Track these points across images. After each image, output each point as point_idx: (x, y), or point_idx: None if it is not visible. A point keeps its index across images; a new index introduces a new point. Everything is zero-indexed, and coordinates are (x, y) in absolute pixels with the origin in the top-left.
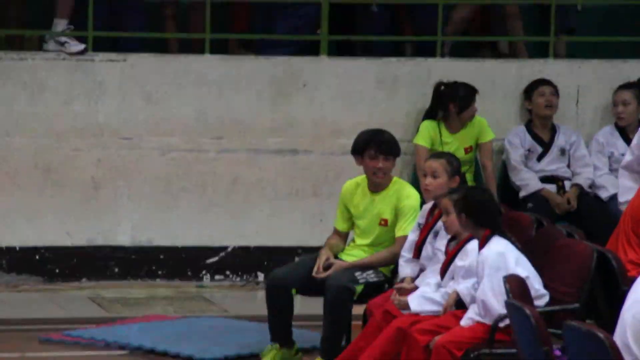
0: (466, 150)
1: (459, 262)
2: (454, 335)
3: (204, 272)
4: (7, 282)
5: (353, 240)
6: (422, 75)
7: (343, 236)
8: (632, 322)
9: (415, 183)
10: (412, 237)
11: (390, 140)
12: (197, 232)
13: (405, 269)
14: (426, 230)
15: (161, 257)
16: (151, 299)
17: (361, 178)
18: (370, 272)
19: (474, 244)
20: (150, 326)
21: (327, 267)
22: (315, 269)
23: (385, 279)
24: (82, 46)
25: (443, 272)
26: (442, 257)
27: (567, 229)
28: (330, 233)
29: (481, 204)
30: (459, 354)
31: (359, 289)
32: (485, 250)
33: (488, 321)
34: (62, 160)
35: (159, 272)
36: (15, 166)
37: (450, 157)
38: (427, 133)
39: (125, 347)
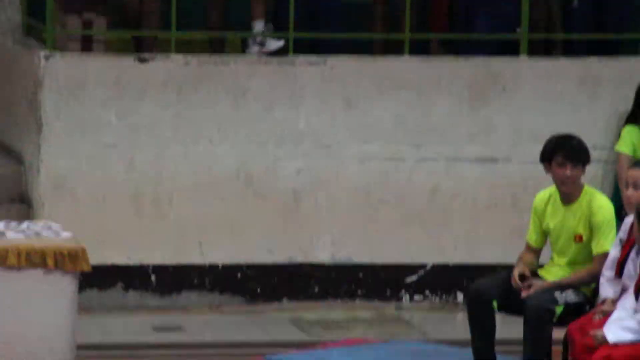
0: None
1: None
2: (626, 352)
3: (402, 291)
4: (210, 302)
5: (552, 258)
6: (625, 75)
7: (536, 252)
8: None
9: (617, 194)
10: (614, 253)
11: (579, 146)
12: (396, 247)
13: (607, 289)
14: (628, 246)
15: (360, 275)
16: (351, 320)
17: (553, 189)
18: (570, 292)
19: None
20: (351, 351)
21: (525, 285)
22: (513, 282)
23: (586, 299)
24: (281, 42)
25: (637, 291)
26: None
27: None
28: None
29: None
30: None
31: (558, 310)
32: None
33: None
34: (263, 169)
35: (358, 292)
36: (217, 175)
37: None
38: (629, 139)
39: None
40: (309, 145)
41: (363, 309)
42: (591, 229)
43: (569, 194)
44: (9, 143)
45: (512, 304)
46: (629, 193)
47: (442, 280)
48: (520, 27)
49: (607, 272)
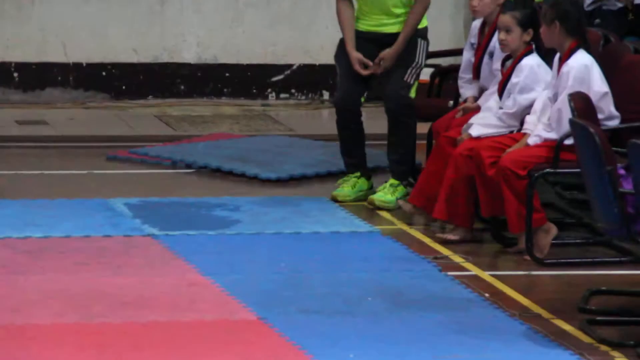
0: None
1: (514, 78)
2: (516, 154)
3: (269, 90)
4: (74, 98)
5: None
6: None
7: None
8: None
9: None
10: (468, 56)
11: None
12: (263, 48)
13: (467, 90)
14: (480, 50)
15: (227, 74)
16: (217, 117)
17: None
18: (412, 67)
19: (528, 59)
20: (216, 145)
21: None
22: (360, 70)
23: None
24: None
25: (500, 91)
26: (500, 77)
27: (634, 45)
28: None
29: (574, 12)
30: (523, 173)
31: (412, 92)
32: (571, 61)
33: (556, 135)
34: None
35: (225, 90)
36: None
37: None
38: None
39: (191, 166)
40: None
41: (229, 107)
42: None
43: None
44: None
45: (377, 89)
46: (501, 37)
47: (308, 79)
48: None
49: (465, 75)
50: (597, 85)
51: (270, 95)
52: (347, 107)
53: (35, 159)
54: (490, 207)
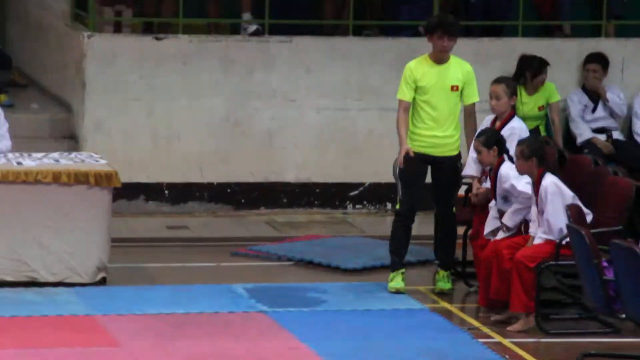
0: (540, 109)
1: (504, 185)
2: (528, 251)
3: (347, 202)
4: (208, 209)
5: (420, 119)
6: (508, 50)
7: (409, 107)
8: None
9: None
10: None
11: (454, 22)
12: (343, 171)
13: (470, 169)
14: None
15: (317, 190)
16: (310, 223)
17: (422, 57)
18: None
19: (504, 168)
20: (310, 243)
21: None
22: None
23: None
24: (255, 26)
25: (494, 196)
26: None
27: (613, 169)
28: None
29: (543, 149)
30: (533, 265)
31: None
32: (544, 182)
33: (553, 237)
34: (246, 116)
35: (315, 202)
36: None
37: (508, 81)
38: None
39: (291, 259)
40: (279, 100)
41: (319, 214)
42: (464, 81)
43: (444, 59)
44: (62, 96)
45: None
46: (493, 103)
47: (376, 194)
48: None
49: (472, 153)
50: (567, 192)
51: (348, 206)
52: (410, 216)
53: (179, 255)
54: (498, 291)
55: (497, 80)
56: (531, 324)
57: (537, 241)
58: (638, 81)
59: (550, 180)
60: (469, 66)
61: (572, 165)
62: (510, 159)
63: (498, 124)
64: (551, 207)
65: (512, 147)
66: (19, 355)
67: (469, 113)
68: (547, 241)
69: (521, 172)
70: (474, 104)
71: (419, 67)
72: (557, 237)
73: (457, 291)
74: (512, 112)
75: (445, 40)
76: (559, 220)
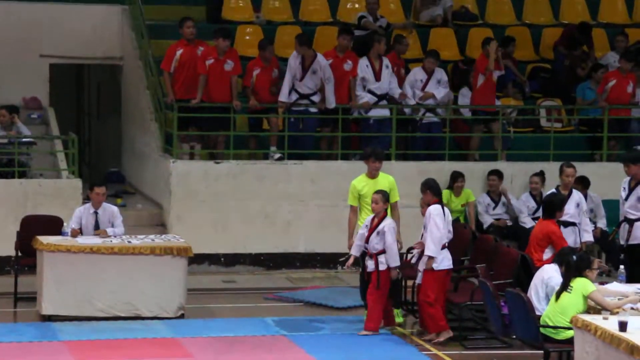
0: (462, 205)
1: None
2: (423, 289)
3: (337, 265)
4: (248, 270)
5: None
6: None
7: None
8: (534, 287)
9: None
10: (362, 231)
11: (381, 152)
12: (335, 244)
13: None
14: (371, 231)
15: (318, 257)
16: (315, 278)
17: (362, 175)
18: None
19: (385, 224)
20: (314, 291)
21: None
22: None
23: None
24: (279, 154)
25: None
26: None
27: (507, 244)
28: None
29: (437, 184)
30: (431, 298)
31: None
32: (430, 209)
33: (430, 253)
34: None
35: (317, 265)
36: (250, 214)
37: (384, 193)
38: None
39: (302, 301)
40: (294, 200)
41: (319, 273)
42: (390, 187)
43: (375, 175)
44: (156, 200)
45: None
46: (373, 206)
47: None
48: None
49: (358, 241)
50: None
51: (338, 267)
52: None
53: (230, 299)
54: (422, 322)
55: (376, 192)
56: (448, 335)
57: (421, 266)
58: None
59: (435, 207)
60: (391, 177)
61: (480, 241)
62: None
63: (376, 220)
64: (431, 225)
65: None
66: None
67: (393, 207)
68: (428, 271)
69: (375, 211)
70: (396, 202)
71: (359, 182)
72: (434, 252)
73: (408, 320)
74: (385, 214)
75: (377, 163)
76: (437, 244)
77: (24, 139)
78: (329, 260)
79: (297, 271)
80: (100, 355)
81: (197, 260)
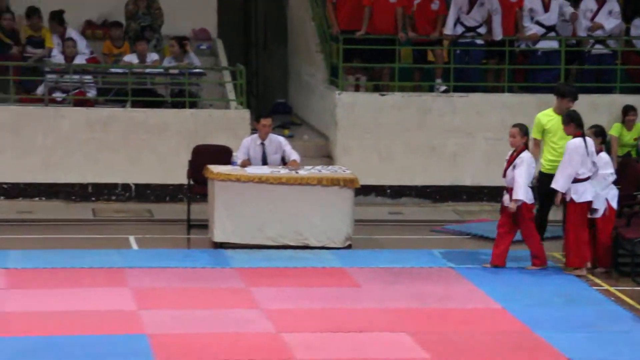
0: (635, 139)
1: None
2: None
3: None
4: (414, 202)
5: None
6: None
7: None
8: None
9: None
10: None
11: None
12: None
13: None
14: (509, 164)
15: (485, 191)
16: (480, 211)
17: (548, 111)
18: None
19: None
20: (480, 224)
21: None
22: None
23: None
24: (445, 87)
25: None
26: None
27: None
28: None
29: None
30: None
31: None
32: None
33: None
34: None
35: (484, 198)
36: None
37: (522, 126)
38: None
39: (469, 234)
40: (461, 133)
41: (487, 206)
42: None
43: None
44: (322, 131)
45: None
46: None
47: None
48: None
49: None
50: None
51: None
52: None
53: (397, 230)
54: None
55: (514, 125)
56: (581, 273)
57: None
58: None
59: (573, 141)
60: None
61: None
62: None
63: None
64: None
65: (520, 170)
66: (296, 291)
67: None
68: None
69: (512, 144)
70: None
71: (545, 117)
72: (561, 187)
73: None
74: (523, 147)
75: (571, 103)
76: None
77: (194, 70)
78: (496, 194)
79: (464, 204)
80: (271, 283)
81: (364, 191)
